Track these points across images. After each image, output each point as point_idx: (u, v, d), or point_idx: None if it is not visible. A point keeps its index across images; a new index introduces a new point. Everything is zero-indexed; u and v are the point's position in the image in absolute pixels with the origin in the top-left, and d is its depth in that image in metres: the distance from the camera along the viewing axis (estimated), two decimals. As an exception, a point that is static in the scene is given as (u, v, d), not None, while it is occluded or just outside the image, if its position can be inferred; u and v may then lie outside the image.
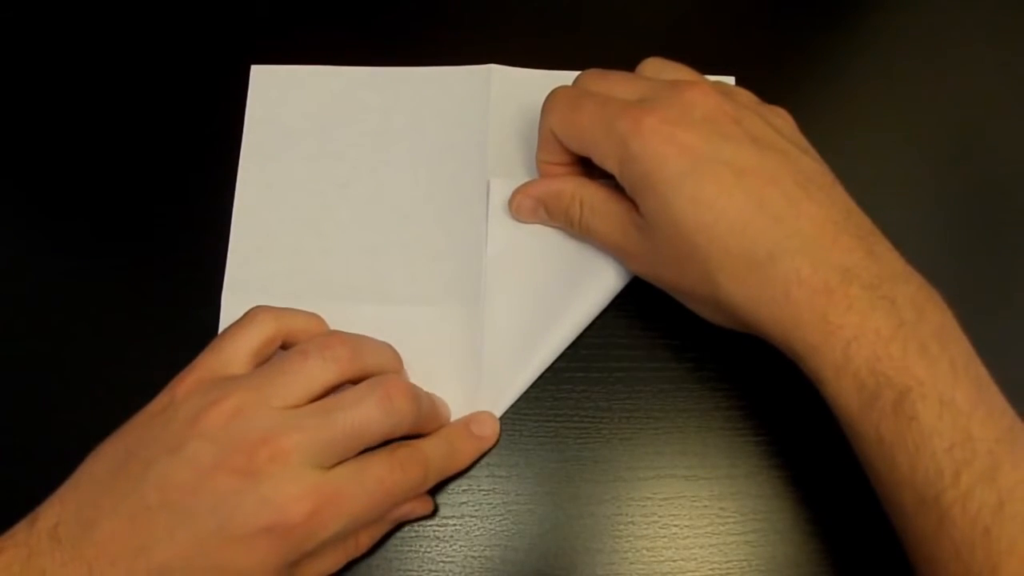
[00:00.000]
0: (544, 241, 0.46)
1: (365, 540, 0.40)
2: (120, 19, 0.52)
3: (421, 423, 0.40)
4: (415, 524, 0.42)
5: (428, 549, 0.41)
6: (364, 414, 0.37)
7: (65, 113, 0.50)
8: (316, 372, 0.38)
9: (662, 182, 0.38)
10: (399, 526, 0.42)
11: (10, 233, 0.48)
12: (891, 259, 0.37)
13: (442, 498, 0.42)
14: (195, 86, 0.51)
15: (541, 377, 0.44)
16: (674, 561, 0.41)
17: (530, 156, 0.48)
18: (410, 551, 0.41)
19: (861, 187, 0.43)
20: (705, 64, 0.49)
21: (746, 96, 0.43)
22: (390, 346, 0.42)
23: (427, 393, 0.41)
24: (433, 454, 0.40)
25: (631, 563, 0.41)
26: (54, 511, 0.36)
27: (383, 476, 0.37)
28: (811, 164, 0.39)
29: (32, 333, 0.46)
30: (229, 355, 0.39)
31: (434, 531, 0.42)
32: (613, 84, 0.42)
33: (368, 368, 0.40)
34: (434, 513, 0.42)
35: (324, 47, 0.51)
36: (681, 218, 0.37)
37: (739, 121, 0.39)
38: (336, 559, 0.39)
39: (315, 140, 0.49)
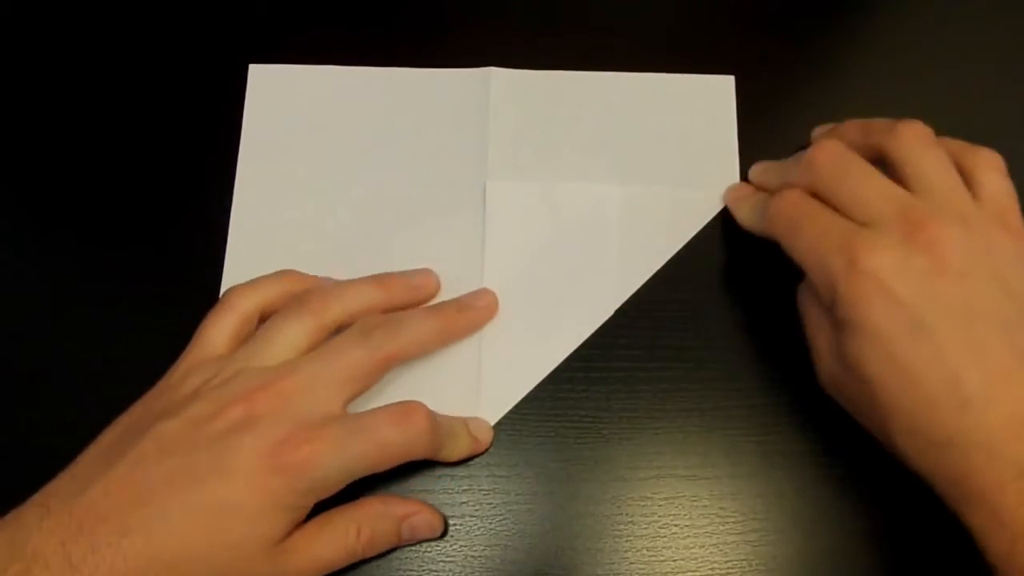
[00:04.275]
0: (543, 245, 0.47)
1: (366, 534, 0.39)
2: (117, 18, 0.52)
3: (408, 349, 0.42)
4: (415, 523, 0.42)
5: (428, 549, 0.41)
6: (350, 353, 0.39)
7: (62, 112, 0.50)
8: (295, 329, 0.40)
9: (862, 335, 0.36)
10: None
11: (5, 233, 0.48)
12: None
13: (442, 498, 0.42)
14: (193, 85, 0.50)
15: (541, 377, 0.45)
16: (674, 561, 0.41)
17: (530, 158, 0.48)
18: (410, 551, 0.41)
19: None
20: (706, 64, 0.50)
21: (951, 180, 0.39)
22: (373, 282, 0.43)
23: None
24: (439, 420, 0.40)
25: (631, 563, 0.41)
26: (47, 490, 0.36)
27: (380, 424, 0.38)
28: None
29: (28, 334, 0.45)
30: (213, 341, 0.41)
31: (434, 531, 0.42)
32: (851, 182, 0.39)
33: (346, 309, 0.41)
34: (443, 535, 0.42)
35: (323, 47, 0.51)
36: (874, 374, 0.36)
37: (964, 276, 0.36)
38: (334, 547, 0.38)
39: (313, 140, 0.49)
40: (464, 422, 0.43)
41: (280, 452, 0.35)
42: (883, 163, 0.40)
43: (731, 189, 0.47)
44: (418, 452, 0.39)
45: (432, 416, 0.39)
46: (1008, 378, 0.35)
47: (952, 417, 0.35)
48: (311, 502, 0.37)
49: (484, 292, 0.45)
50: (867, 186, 0.39)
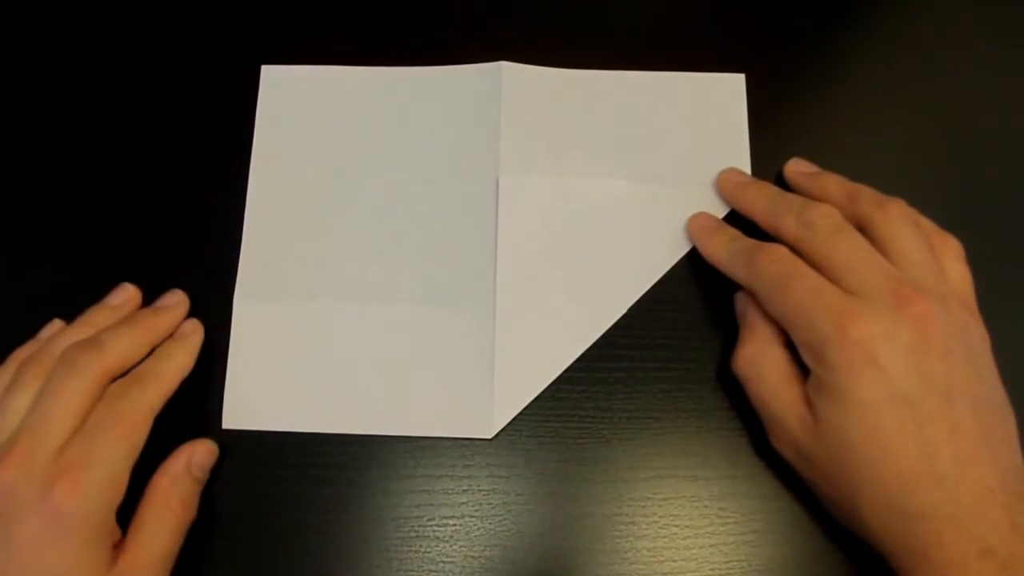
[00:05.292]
0: (556, 240, 0.47)
1: (175, 505, 0.40)
2: (129, 19, 0.52)
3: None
4: (415, 524, 0.42)
5: (428, 549, 0.42)
6: (65, 385, 0.39)
7: (73, 113, 0.50)
8: (24, 396, 0.40)
9: (847, 403, 0.37)
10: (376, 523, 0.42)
11: (18, 233, 0.48)
12: None
13: (442, 498, 0.43)
14: (205, 86, 0.51)
15: (541, 377, 0.45)
16: (674, 561, 0.42)
17: (542, 154, 0.48)
18: (410, 551, 0.42)
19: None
20: (717, 62, 0.49)
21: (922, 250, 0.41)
22: (141, 320, 0.43)
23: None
24: (148, 368, 0.41)
25: (631, 563, 0.42)
26: None
27: (101, 414, 0.38)
28: (990, 392, 0.38)
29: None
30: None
31: (434, 531, 0.42)
32: (844, 248, 0.40)
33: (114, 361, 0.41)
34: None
35: (334, 47, 0.51)
36: (854, 442, 0.37)
37: (947, 355, 0.37)
38: (161, 537, 0.39)
39: (326, 140, 0.50)
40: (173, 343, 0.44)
41: (49, 510, 0.36)
42: (864, 232, 0.41)
43: (694, 218, 0.47)
44: (148, 402, 0.40)
45: (144, 371, 0.41)
46: (977, 457, 0.36)
47: (927, 491, 0.36)
48: (109, 516, 0.38)
49: (172, 292, 0.46)
50: (859, 254, 0.40)
